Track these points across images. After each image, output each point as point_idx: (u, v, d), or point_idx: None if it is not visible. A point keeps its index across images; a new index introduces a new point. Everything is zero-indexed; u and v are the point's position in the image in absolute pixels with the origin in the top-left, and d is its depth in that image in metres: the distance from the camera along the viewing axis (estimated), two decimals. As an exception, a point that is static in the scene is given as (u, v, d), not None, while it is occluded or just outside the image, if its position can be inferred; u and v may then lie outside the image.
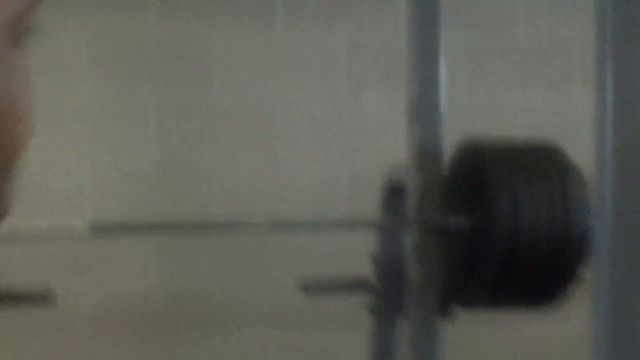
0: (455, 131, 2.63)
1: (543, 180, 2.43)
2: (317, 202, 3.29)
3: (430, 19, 2.60)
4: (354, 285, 2.70)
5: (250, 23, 3.43)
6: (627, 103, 1.75)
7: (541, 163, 2.48)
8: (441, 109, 2.60)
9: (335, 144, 3.43)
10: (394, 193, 2.81)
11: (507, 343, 3.34)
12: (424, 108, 2.62)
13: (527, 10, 3.69)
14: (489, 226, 2.38)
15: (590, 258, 2.37)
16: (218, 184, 3.24)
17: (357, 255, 2.77)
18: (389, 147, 3.44)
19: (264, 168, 3.36)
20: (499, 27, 3.66)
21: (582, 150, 2.59)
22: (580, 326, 3.35)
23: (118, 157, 3.13)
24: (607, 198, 1.70)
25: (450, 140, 2.62)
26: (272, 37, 3.44)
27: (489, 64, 3.64)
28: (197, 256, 3.16)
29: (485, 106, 3.60)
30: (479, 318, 2.63)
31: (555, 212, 2.38)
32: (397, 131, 3.46)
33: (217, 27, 3.42)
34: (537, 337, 3.35)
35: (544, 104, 3.68)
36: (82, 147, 3.38)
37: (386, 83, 3.51)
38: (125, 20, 3.41)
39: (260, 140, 3.37)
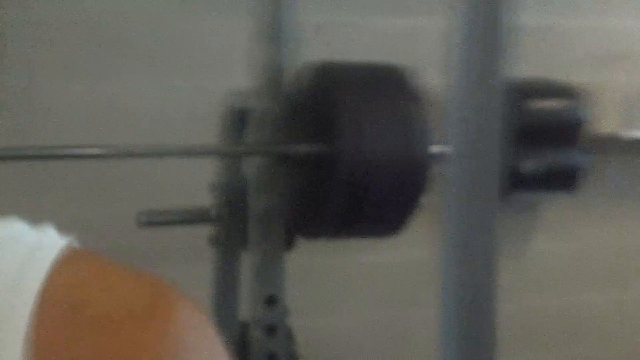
0: (299, 52, 2.56)
1: (386, 104, 2.39)
2: (153, 128, 3.15)
3: None
4: (194, 216, 2.60)
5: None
6: (476, 27, 1.70)
7: (385, 86, 2.44)
8: (286, 29, 2.52)
9: (170, 65, 3.29)
10: (235, 118, 2.71)
11: (349, 271, 3.34)
12: (268, 27, 2.53)
13: None
14: (332, 153, 2.32)
15: (431, 184, 2.36)
16: (47, 107, 3.05)
17: (198, 185, 2.67)
18: (230, 70, 3.33)
19: (96, 90, 3.18)
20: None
21: (429, 76, 2.56)
22: (420, 251, 3.38)
23: None
24: (456, 124, 1.66)
25: (294, 61, 2.54)
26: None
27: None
28: (28, 186, 2.99)
29: (331, 28, 3.53)
30: (320, 247, 2.59)
31: (397, 136, 2.35)
32: (240, 53, 3.36)
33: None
34: (377, 264, 3.36)
35: (391, 27, 3.64)
36: None
37: (229, 2, 3.38)
38: None
39: (92, 60, 3.18)
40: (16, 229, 0.68)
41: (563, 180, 3.13)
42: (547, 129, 3.15)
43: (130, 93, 3.23)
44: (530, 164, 3.06)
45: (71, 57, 3.11)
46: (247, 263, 2.46)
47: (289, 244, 2.41)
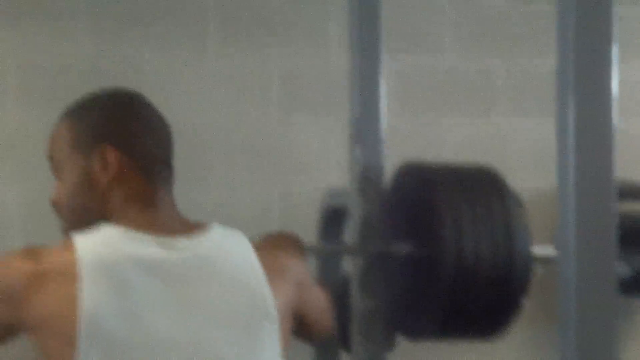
0: (391, 154, 2.61)
1: (485, 206, 2.41)
2: (250, 229, 3.21)
3: (370, 43, 2.58)
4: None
5: (182, 47, 3.35)
6: (586, 130, 1.74)
7: (482, 188, 2.46)
8: (381, 132, 2.58)
9: (268, 168, 3.37)
10: (332, 218, 2.76)
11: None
12: (364, 131, 2.59)
13: (454, 37, 3.70)
14: (433, 253, 2.34)
15: (531, 286, 2.36)
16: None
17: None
18: (323, 171, 3.39)
19: (195, 195, 3.27)
20: (427, 51, 3.67)
21: (513, 176, 2.59)
22: (522, 354, 3.34)
23: (45, 184, 3.02)
24: (571, 224, 1.68)
25: (387, 163, 2.59)
26: (204, 61, 3.37)
27: (418, 88, 3.64)
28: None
29: (415, 131, 3.59)
30: (421, 348, 2.58)
31: (497, 238, 2.36)
32: (329, 156, 3.43)
33: (149, 51, 3.33)
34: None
35: (471, 129, 3.69)
36: (8, 177, 3.26)
37: (319, 106, 3.47)
38: (55, 43, 3.31)
39: (192, 167, 3.28)
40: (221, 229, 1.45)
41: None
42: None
43: (231, 194, 3.31)
44: (625, 268, 3.04)
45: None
46: (347, 362, 2.47)
47: (389, 344, 2.41)
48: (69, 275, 1.27)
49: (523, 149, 3.65)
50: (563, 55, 1.73)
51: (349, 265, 2.54)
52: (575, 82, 1.72)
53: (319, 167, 3.39)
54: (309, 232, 2.81)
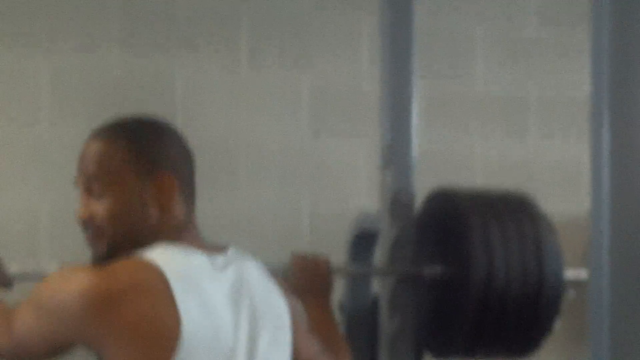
0: (422, 178, 2.61)
1: (516, 229, 2.41)
2: (278, 246, 3.23)
3: (402, 67, 2.59)
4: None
5: (214, 63, 3.39)
6: (620, 154, 1.74)
7: (513, 212, 2.46)
8: (412, 157, 2.58)
9: (297, 187, 3.38)
10: (363, 240, 2.77)
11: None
12: (395, 156, 2.59)
13: (486, 62, 3.72)
14: (463, 275, 2.34)
15: (562, 307, 2.35)
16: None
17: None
18: (350, 192, 3.40)
19: (224, 210, 3.28)
20: (459, 76, 3.68)
21: (545, 200, 2.58)
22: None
23: (76, 195, 3.06)
24: (604, 247, 1.68)
25: (418, 186, 2.59)
26: (236, 78, 3.40)
27: (449, 112, 3.65)
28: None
29: (446, 155, 3.60)
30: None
31: (528, 260, 2.36)
32: (359, 175, 3.44)
33: (181, 67, 3.37)
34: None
35: (502, 153, 3.70)
36: (39, 186, 3.30)
37: (348, 127, 3.49)
38: (88, 57, 3.35)
39: (221, 181, 3.30)
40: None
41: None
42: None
43: (260, 210, 3.32)
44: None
45: (201, 168, 3.23)
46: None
47: (417, 363, 2.42)
48: (161, 287, 1.40)
49: (555, 173, 3.65)
50: (597, 80, 1.74)
51: (379, 287, 2.54)
52: (609, 106, 1.73)
53: (348, 187, 3.40)
54: (337, 251, 2.82)
